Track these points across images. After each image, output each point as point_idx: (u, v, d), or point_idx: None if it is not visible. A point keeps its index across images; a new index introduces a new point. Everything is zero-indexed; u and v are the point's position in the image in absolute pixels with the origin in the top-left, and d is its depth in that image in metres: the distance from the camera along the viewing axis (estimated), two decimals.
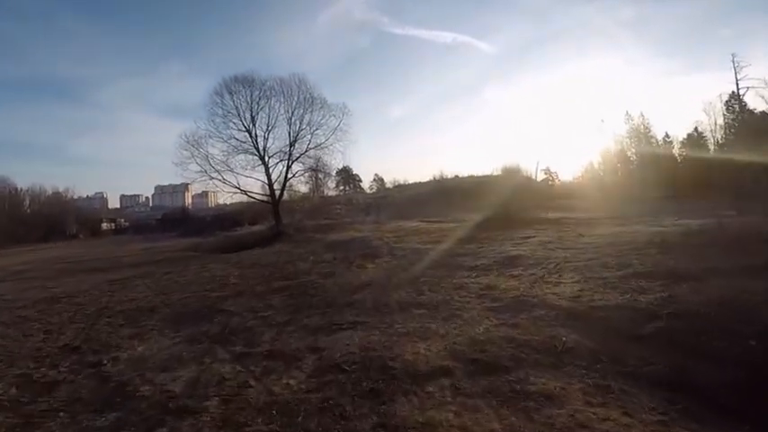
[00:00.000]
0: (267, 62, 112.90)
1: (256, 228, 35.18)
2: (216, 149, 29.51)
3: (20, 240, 46.25)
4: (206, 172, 28.93)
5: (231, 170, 29.27)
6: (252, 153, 29.63)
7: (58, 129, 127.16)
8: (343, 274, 10.56)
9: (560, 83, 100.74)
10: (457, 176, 55.57)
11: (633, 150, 49.29)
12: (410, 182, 61.23)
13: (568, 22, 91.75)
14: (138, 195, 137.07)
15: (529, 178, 48.51)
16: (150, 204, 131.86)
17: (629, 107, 74.63)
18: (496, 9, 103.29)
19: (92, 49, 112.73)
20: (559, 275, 8.53)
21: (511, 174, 48.09)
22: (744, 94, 40.25)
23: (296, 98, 29.76)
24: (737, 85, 39.93)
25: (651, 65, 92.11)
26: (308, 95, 29.97)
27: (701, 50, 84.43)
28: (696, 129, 45.98)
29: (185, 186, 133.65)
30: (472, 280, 8.65)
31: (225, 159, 29.30)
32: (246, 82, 29.35)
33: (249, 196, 30.91)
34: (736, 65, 38.98)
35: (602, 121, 54.73)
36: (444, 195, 42.23)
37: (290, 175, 30.67)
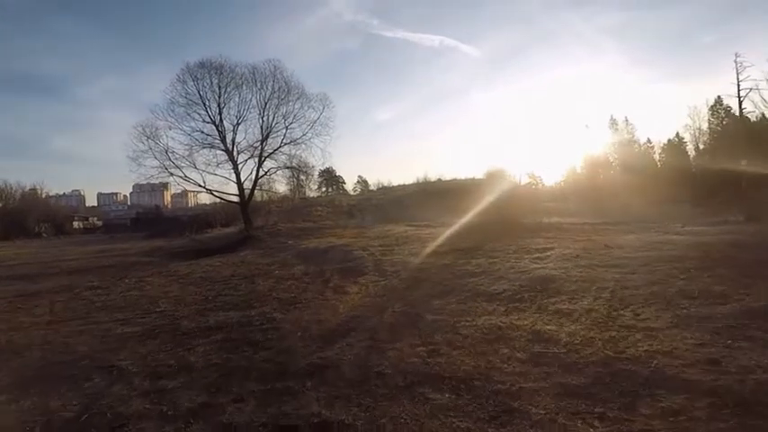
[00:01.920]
0: (252, 63, 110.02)
1: (229, 230, 31.90)
2: (177, 143, 26.17)
3: None
4: (165, 168, 25.69)
5: (194, 166, 25.82)
6: (218, 148, 26.21)
7: (37, 125, 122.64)
8: (312, 302, 7.44)
9: (545, 87, 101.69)
10: (440, 179, 53.72)
11: (615, 156, 48.82)
12: (394, 184, 59.48)
13: (553, 28, 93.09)
14: (116, 193, 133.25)
15: (514, 182, 46.59)
16: (128, 203, 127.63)
17: (613, 112, 75.83)
18: (483, 13, 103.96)
19: (75, 45, 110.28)
20: (635, 313, 5.69)
21: (495, 177, 46.24)
22: (744, 97, 39.48)
23: (270, 87, 26.51)
24: (738, 86, 38.61)
25: (634, 71, 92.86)
26: (284, 84, 26.78)
27: (682, 57, 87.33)
28: (677, 134, 46.28)
29: (164, 185, 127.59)
30: (504, 320, 5.73)
31: (187, 154, 25.91)
32: (214, 68, 25.84)
33: (215, 195, 27.51)
34: (738, 65, 37.58)
35: (587, 126, 53.28)
36: (429, 198, 39.76)
37: (261, 173, 27.31)
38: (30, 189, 64.48)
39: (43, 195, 69.89)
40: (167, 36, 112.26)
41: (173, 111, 25.78)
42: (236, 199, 27.00)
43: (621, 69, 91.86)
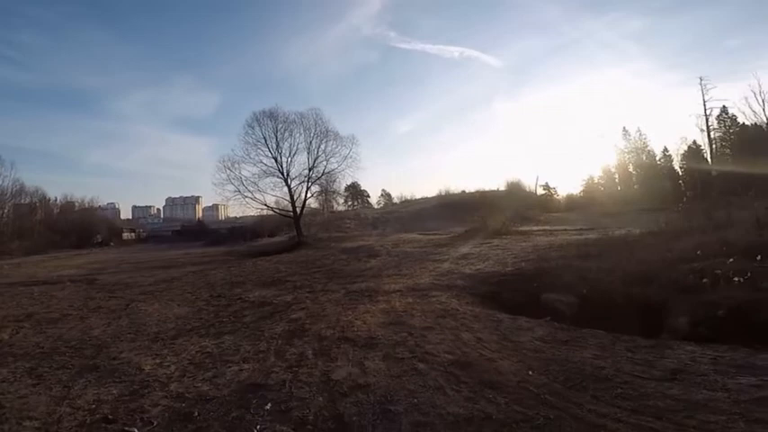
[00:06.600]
0: (274, 77, 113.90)
1: (278, 238, 39.91)
2: (247, 172, 35.16)
3: (56, 246, 49.08)
4: (239, 192, 34.41)
5: (260, 190, 34.88)
6: (277, 176, 35.27)
7: (71, 138, 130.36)
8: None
9: (566, 96, 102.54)
10: (464, 191, 57.95)
11: (632, 165, 51.55)
12: (417, 197, 63.88)
13: (576, 35, 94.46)
14: (150, 206, 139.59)
15: (530, 192, 50.75)
16: (161, 216, 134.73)
17: (635, 120, 74.92)
18: (504, 22, 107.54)
19: (106, 59, 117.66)
20: None
21: (514, 188, 50.25)
22: (710, 114, 43.71)
23: (313, 130, 35.49)
24: (705, 106, 43.42)
25: (658, 77, 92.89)
26: (324, 128, 35.62)
27: (707, 62, 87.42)
28: (695, 142, 47.46)
29: (196, 199, 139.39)
30: None
31: (255, 181, 34.90)
32: (272, 116, 35.22)
33: (278, 213, 36.48)
34: (703, 87, 42.68)
35: (602, 135, 53.79)
36: (447, 210, 44.59)
37: (308, 195, 36.28)
38: (94, 205, 73.20)
39: (97, 207, 77.84)
40: (191, 48, 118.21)
41: (245, 148, 34.91)
42: (290, 214, 35.80)
43: (647, 75, 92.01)
